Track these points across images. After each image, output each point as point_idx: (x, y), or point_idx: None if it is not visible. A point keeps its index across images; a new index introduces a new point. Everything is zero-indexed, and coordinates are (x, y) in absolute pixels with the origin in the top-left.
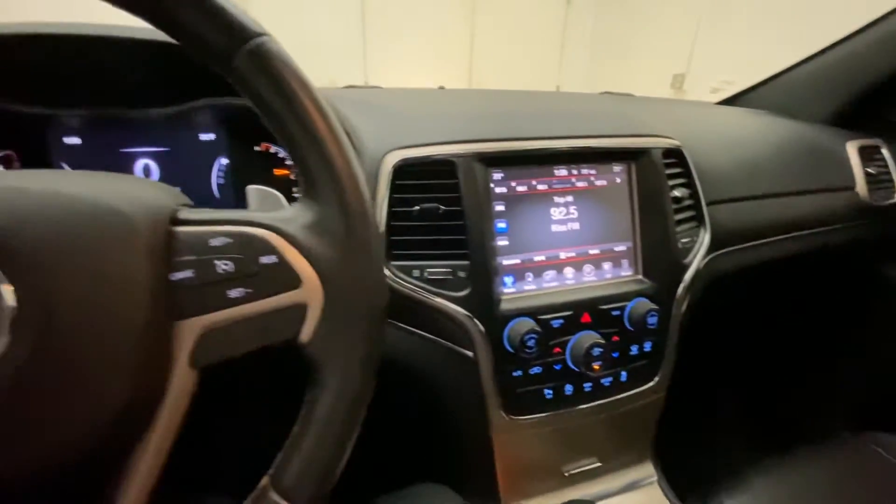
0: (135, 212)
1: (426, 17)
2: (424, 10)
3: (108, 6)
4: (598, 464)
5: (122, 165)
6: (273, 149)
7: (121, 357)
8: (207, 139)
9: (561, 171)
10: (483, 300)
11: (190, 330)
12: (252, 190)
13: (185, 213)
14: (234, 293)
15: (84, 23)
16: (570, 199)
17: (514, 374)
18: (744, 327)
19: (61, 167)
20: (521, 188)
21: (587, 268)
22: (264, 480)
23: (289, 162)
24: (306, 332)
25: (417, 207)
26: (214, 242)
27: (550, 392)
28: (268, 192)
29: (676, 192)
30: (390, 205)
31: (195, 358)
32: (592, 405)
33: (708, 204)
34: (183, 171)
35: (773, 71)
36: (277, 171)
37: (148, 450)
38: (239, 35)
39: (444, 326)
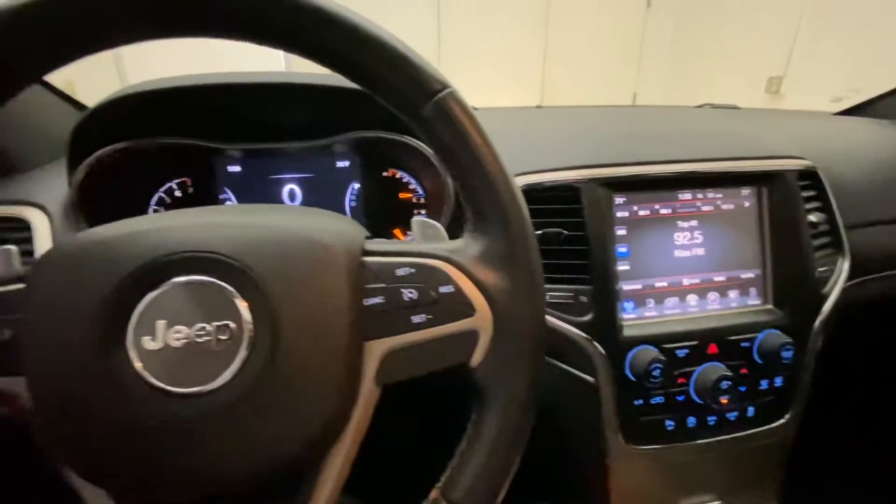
0: (339, 244)
1: (499, 24)
2: (499, 16)
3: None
4: (718, 501)
5: (273, 190)
6: (398, 174)
7: (328, 373)
8: (343, 166)
9: (685, 195)
10: (605, 325)
11: (377, 350)
12: (417, 222)
13: (371, 245)
14: (417, 319)
15: (263, 72)
16: (694, 223)
17: (636, 402)
18: (883, 362)
19: (224, 191)
20: (643, 212)
21: (712, 295)
22: (434, 493)
23: (412, 186)
24: (477, 357)
25: (540, 232)
26: (400, 272)
27: (672, 423)
28: (430, 223)
29: (812, 217)
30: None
31: (380, 376)
32: (715, 440)
33: (846, 228)
34: (321, 195)
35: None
36: (402, 195)
37: (337, 461)
38: (429, 88)
39: (566, 350)
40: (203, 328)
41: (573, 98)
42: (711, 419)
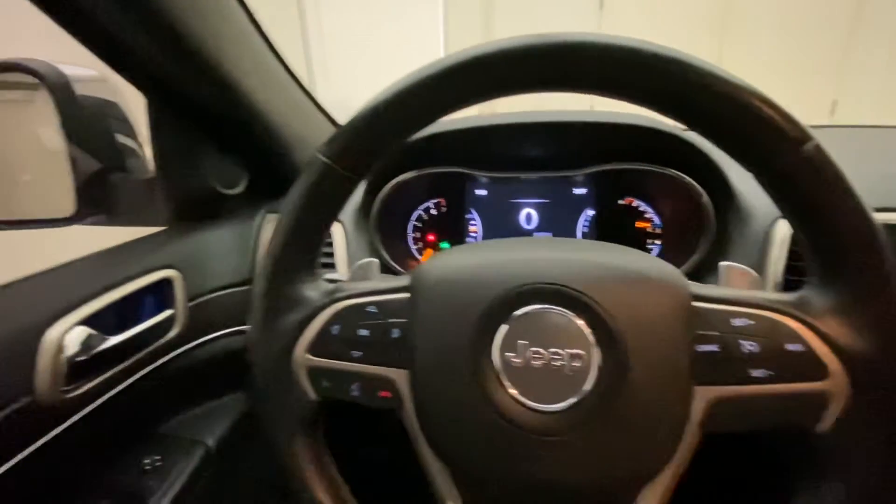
0: (673, 285)
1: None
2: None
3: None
4: None
5: (511, 212)
6: (635, 202)
7: (661, 410)
8: (579, 193)
9: None
10: None
11: (706, 396)
12: (730, 268)
13: (699, 289)
14: (757, 373)
15: (542, 111)
16: None
17: None
18: None
19: (471, 212)
20: None
21: None
22: None
23: (648, 215)
24: (827, 423)
25: None
26: (737, 323)
27: None
28: (746, 270)
29: None
30: (785, 272)
31: (705, 423)
32: None
33: None
34: (555, 220)
35: None
36: (638, 224)
37: (650, 500)
38: (793, 138)
39: None
40: (557, 353)
41: None
42: None
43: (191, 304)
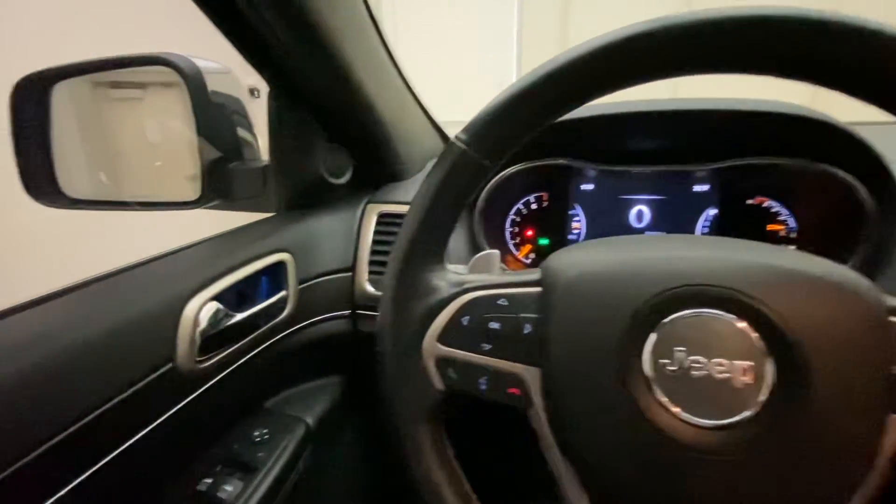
0: (863, 295)
1: None
2: None
3: None
4: None
5: (620, 209)
6: (767, 203)
7: (848, 439)
8: (700, 191)
9: None
10: None
11: None
12: None
13: None
14: None
15: (664, 100)
16: None
17: None
18: None
19: (574, 207)
20: None
21: None
22: None
23: (782, 217)
24: None
25: None
26: None
27: None
28: None
29: None
30: None
31: None
32: None
33: None
34: (671, 218)
35: None
36: (770, 226)
37: None
38: None
39: None
40: (721, 363)
41: None
42: None
43: (299, 287)
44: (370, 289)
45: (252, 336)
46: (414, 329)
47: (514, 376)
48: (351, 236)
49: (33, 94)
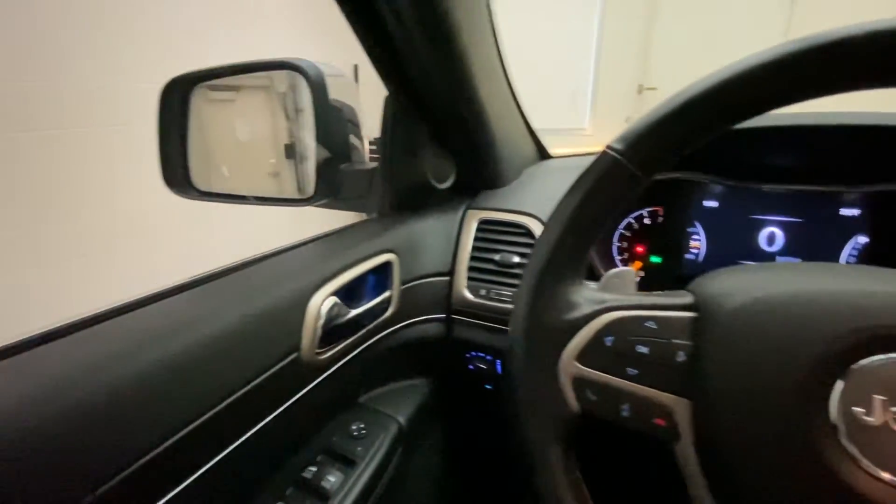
0: None
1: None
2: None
3: None
4: None
5: (748, 230)
6: None
7: None
8: (849, 214)
9: None
10: None
11: None
12: None
13: None
14: None
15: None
16: None
17: None
18: None
19: (694, 224)
20: None
21: None
22: None
23: None
24: None
25: None
26: None
27: None
28: None
29: None
30: None
31: None
32: None
33: None
34: (810, 244)
35: None
36: None
37: None
38: None
39: None
40: None
41: None
42: None
43: (402, 287)
44: (468, 295)
45: (362, 332)
46: (550, 345)
47: (662, 406)
48: (450, 241)
49: (177, 96)
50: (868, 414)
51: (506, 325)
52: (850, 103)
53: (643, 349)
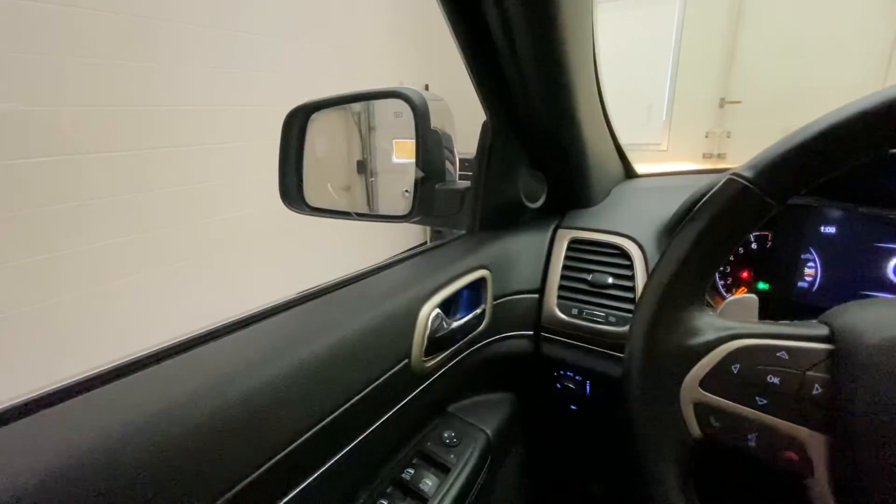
0: None
1: None
2: None
3: None
4: None
5: (873, 259)
6: None
7: None
8: None
9: None
10: None
11: None
12: None
13: None
14: None
15: None
16: None
17: None
18: None
19: (809, 251)
20: None
21: None
22: None
23: None
24: None
25: None
26: None
27: None
28: None
29: None
30: None
31: None
32: None
33: None
34: None
35: None
36: None
37: None
38: None
39: None
40: None
41: None
42: None
43: (494, 303)
44: (558, 313)
45: (459, 344)
46: (671, 369)
47: (794, 440)
48: (540, 259)
49: (297, 122)
50: None
51: (596, 346)
52: None
53: (774, 379)
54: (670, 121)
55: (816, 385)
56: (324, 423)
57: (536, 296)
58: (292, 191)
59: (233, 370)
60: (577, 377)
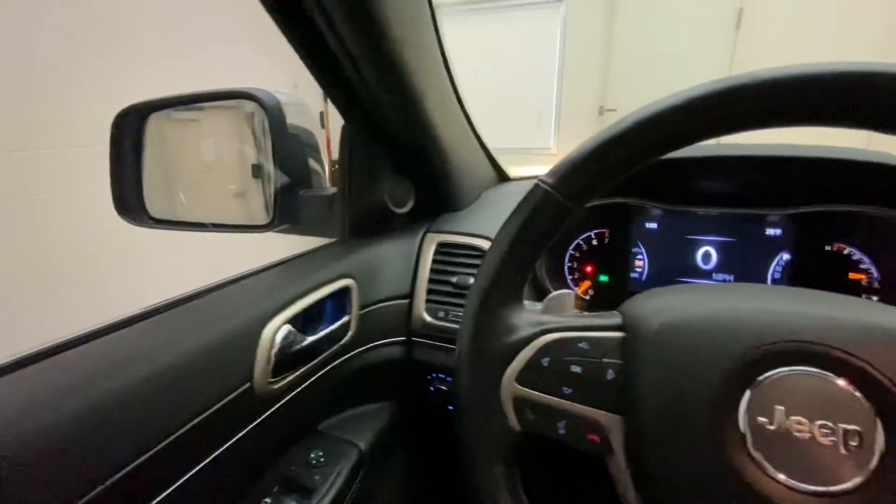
0: None
1: None
2: None
3: None
4: None
5: (685, 249)
6: (847, 250)
7: None
8: (773, 234)
9: None
10: None
11: None
12: None
13: None
14: None
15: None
16: None
17: None
18: None
19: (637, 245)
20: None
21: None
22: None
23: (864, 265)
24: None
25: None
26: None
27: None
28: None
29: None
30: None
31: None
32: None
33: None
34: (741, 261)
35: None
36: (853, 275)
37: None
38: None
39: None
40: (827, 426)
41: None
42: None
43: (360, 312)
44: (426, 317)
45: (319, 359)
46: (492, 367)
47: (595, 423)
48: (409, 264)
49: (131, 125)
50: (770, 423)
51: None
52: (777, 136)
53: (577, 368)
54: (559, 126)
55: (610, 370)
56: (152, 451)
57: (407, 301)
58: (130, 201)
59: (49, 394)
60: (448, 378)
